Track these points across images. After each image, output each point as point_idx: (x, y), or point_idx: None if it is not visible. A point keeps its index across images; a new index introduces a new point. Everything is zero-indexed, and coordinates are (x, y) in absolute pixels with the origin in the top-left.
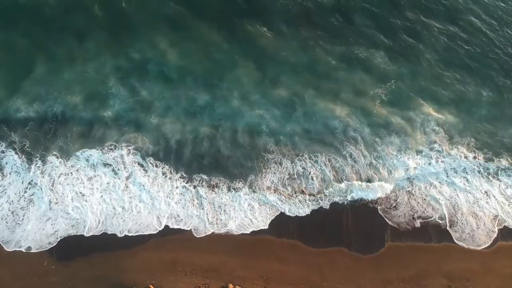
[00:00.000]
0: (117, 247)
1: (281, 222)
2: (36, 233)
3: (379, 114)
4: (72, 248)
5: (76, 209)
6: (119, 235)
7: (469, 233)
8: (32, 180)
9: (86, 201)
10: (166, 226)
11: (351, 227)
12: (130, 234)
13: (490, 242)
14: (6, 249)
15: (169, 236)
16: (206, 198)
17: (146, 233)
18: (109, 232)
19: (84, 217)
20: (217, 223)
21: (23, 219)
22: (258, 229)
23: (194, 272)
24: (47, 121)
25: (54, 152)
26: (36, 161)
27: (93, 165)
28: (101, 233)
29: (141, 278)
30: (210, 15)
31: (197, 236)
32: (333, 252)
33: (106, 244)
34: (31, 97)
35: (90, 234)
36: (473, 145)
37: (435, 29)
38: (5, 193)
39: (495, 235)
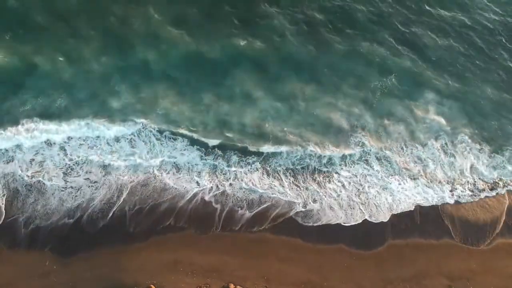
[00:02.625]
0: (119, 246)
1: (281, 222)
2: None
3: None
4: (74, 248)
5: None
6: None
7: None
8: (38, 152)
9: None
10: (169, 224)
11: (352, 227)
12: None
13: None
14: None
15: (170, 235)
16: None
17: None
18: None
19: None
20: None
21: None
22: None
23: (195, 272)
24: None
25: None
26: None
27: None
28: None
29: (142, 278)
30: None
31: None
32: (334, 251)
33: (107, 244)
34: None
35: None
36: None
37: (438, 24)
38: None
39: None
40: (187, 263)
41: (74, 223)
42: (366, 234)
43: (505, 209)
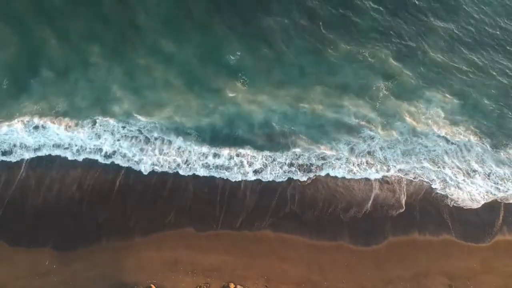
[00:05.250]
0: (119, 244)
1: (281, 218)
2: None
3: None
4: (74, 248)
5: None
6: None
7: None
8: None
9: None
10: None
11: (352, 223)
12: None
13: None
14: None
15: (170, 233)
16: None
17: None
18: None
19: None
20: None
21: None
22: None
23: (195, 272)
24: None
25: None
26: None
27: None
28: None
29: (143, 277)
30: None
31: None
32: (334, 249)
33: (107, 243)
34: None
35: None
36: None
37: (439, 25)
38: None
39: None
40: (187, 262)
41: (79, 205)
42: (366, 232)
43: (503, 204)
